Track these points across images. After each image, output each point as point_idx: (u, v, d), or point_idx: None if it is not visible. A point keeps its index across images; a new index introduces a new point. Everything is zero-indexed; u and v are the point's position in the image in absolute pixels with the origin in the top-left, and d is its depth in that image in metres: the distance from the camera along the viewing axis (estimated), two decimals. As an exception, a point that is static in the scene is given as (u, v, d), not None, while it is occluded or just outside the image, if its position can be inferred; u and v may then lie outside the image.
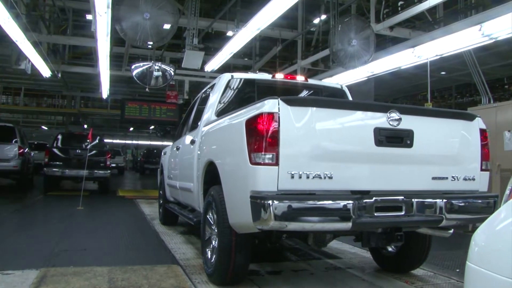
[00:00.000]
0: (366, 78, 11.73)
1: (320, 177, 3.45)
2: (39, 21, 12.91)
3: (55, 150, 14.08)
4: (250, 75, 5.82)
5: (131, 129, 39.97)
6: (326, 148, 3.52)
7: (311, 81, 6.10)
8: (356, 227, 3.45)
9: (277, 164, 3.36)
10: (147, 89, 11.87)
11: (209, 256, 4.43)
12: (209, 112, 5.34)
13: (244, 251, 4.06)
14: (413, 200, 3.61)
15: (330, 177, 3.48)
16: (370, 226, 3.68)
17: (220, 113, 5.13)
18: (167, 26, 8.23)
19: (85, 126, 32.02)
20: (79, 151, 13.93)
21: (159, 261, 5.27)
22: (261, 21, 8.48)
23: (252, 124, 3.52)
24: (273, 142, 3.37)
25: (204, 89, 6.31)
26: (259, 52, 16.71)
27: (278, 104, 3.44)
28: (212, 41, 15.91)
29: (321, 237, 4.13)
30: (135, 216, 9.63)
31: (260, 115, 3.45)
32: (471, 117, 4.12)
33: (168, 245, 6.32)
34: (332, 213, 3.36)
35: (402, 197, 3.60)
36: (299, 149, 3.44)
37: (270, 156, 3.36)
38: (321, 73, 13.76)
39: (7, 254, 5.47)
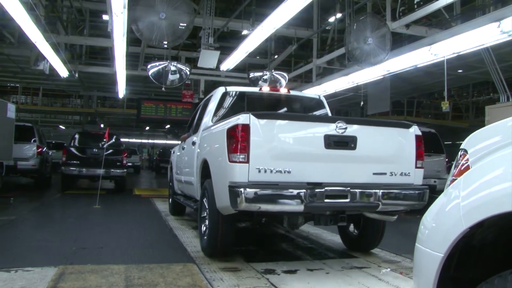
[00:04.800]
0: (382, 77, 11.64)
1: (281, 172, 4.50)
2: (57, 22, 13.06)
3: (72, 149, 14.23)
4: (241, 88, 6.93)
5: (147, 128, 40.14)
6: (285, 150, 4.60)
7: (293, 92, 7.13)
8: (307, 210, 4.50)
9: (248, 162, 4.43)
10: (163, 89, 11.92)
11: (203, 234, 5.51)
12: (207, 118, 6.46)
13: (229, 229, 5.14)
14: (356, 190, 4.60)
15: (289, 172, 4.52)
16: (319, 209, 4.78)
17: (216, 120, 6.24)
18: (182, 26, 8.25)
19: (102, 125, 32.26)
20: (96, 150, 14.04)
21: (174, 257, 5.39)
22: (276, 20, 8.46)
23: (230, 132, 4.58)
24: (245, 146, 4.44)
25: (205, 98, 7.37)
26: (274, 51, 16.69)
27: (250, 118, 4.50)
28: (227, 41, 15.94)
29: (293, 221, 5.19)
30: (150, 214, 9.72)
31: (236, 126, 4.51)
32: (407, 126, 5.15)
33: (181, 239, 6.63)
34: (288, 198, 4.39)
35: (348, 188, 4.59)
36: (265, 151, 4.50)
37: (243, 156, 4.43)
38: (336, 72, 13.69)
39: (26, 251, 5.56)
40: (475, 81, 19.37)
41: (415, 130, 5.10)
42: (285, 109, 6.99)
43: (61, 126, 38.47)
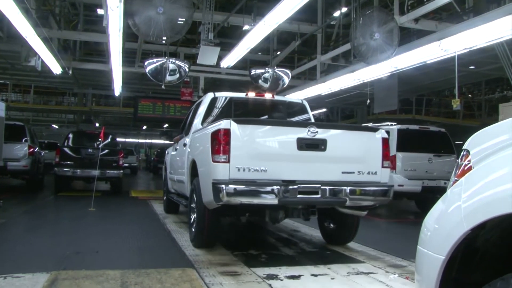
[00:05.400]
0: (389, 74, 11.63)
1: (258, 170, 5.24)
2: (49, 16, 13.04)
3: (66, 150, 14.25)
4: (228, 94, 7.79)
5: (144, 127, 40.16)
6: (262, 151, 5.37)
7: (277, 97, 8.00)
8: (281, 203, 5.24)
9: (228, 162, 5.18)
10: (163, 86, 11.89)
11: (192, 227, 6.37)
12: (197, 121, 7.32)
13: (214, 222, 5.97)
14: (326, 187, 5.37)
15: (265, 171, 5.27)
16: (292, 204, 5.53)
17: (205, 123, 7.08)
18: (181, 21, 8.25)
19: (97, 124, 32.29)
20: (91, 150, 14.05)
21: (172, 261, 5.43)
22: (279, 15, 8.45)
23: (214, 136, 5.34)
24: (226, 148, 5.19)
25: (196, 102, 8.33)
26: (277, 47, 16.69)
27: (231, 123, 5.25)
28: (228, 36, 15.93)
29: (274, 215, 5.84)
30: (148, 216, 9.74)
31: (219, 130, 5.26)
32: (374, 130, 5.92)
33: (179, 242, 6.67)
34: (264, 193, 5.19)
35: (319, 185, 5.36)
36: (243, 152, 5.26)
37: (225, 157, 5.19)
38: (341, 69, 13.69)
39: (17, 256, 5.56)
40: (488, 77, 19.35)
41: (381, 134, 5.85)
42: (269, 113, 7.77)
43: (54, 125, 38.51)
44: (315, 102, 21.42)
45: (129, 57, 16.14)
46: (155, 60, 11.36)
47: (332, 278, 4.90)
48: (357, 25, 9.14)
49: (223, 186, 5.07)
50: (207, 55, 11.33)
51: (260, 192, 5.20)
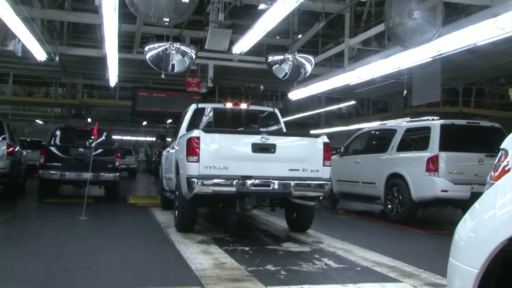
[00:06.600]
0: (431, 59, 11.49)
1: (221, 168, 7.69)
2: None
3: (53, 149, 14.35)
4: (209, 105, 10.95)
5: (145, 123, 40.37)
6: (224, 153, 7.88)
7: (251, 107, 10.90)
8: (238, 193, 7.67)
9: (198, 161, 7.65)
10: (163, 76, 11.91)
11: (175, 214, 9.01)
12: (183, 127, 10.12)
13: (191, 209, 8.46)
14: (275, 181, 7.75)
15: (226, 168, 7.71)
16: (247, 193, 7.77)
17: (188, 129, 9.54)
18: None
19: (89, 120, 32.47)
20: (82, 150, 14.14)
21: (176, 278, 5.46)
22: (301, -10, 8.40)
23: (188, 141, 7.80)
24: (197, 151, 7.65)
25: (184, 111, 10.88)
26: (298, 30, 16.60)
27: (200, 132, 7.77)
28: (241, 17, 15.90)
29: (243, 206, 8.07)
30: (148, 226, 9.80)
31: (192, 137, 7.74)
32: (317, 136, 8.45)
33: (184, 255, 6.78)
34: (225, 185, 7.62)
35: (270, 180, 7.76)
36: (209, 154, 7.75)
37: (196, 158, 7.65)
38: (374, 54, 13.58)
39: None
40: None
41: (323, 139, 8.30)
42: (244, 120, 10.56)
43: (38, 121, 38.80)
44: (342, 93, 21.37)
45: (126, 41, 16.18)
46: (156, 45, 11.35)
47: (365, 301, 4.85)
48: (393, 2, 9.04)
49: (194, 180, 7.50)
50: (217, 39, 11.35)
51: (221, 184, 7.61)
